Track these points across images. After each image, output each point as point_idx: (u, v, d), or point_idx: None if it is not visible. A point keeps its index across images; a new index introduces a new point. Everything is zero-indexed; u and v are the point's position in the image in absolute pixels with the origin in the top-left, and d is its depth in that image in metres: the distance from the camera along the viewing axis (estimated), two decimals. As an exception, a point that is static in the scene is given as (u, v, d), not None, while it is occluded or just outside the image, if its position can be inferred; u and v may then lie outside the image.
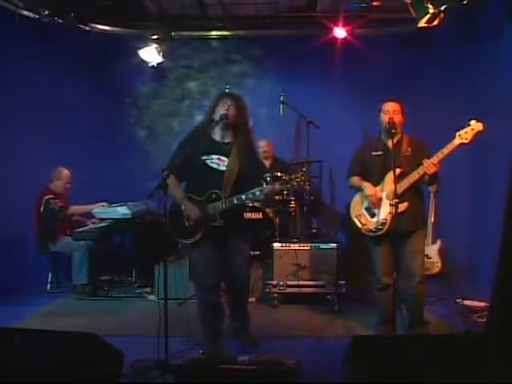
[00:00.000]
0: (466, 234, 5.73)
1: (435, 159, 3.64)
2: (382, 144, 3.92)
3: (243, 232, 3.84)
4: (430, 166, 3.63)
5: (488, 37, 5.33)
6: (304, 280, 4.88)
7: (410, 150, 3.85)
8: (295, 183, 3.47)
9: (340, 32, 5.76)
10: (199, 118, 5.46)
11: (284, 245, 4.97)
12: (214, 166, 3.61)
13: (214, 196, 3.56)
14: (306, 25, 6.03)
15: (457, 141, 3.63)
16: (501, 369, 2.38)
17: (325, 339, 4.04)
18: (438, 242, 5.33)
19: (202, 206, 3.57)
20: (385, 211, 3.83)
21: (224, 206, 3.52)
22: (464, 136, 3.61)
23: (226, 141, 3.69)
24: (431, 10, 4.47)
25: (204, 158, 3.62)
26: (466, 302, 4.70)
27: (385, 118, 3.83)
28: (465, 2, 4.48)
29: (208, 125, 3.68)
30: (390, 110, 3.82)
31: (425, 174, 3.72)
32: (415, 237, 3.87)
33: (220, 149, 3.64)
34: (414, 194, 3.85)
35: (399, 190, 3.66)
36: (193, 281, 3.78)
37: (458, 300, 4.77)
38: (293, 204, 5.58)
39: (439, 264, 5.28)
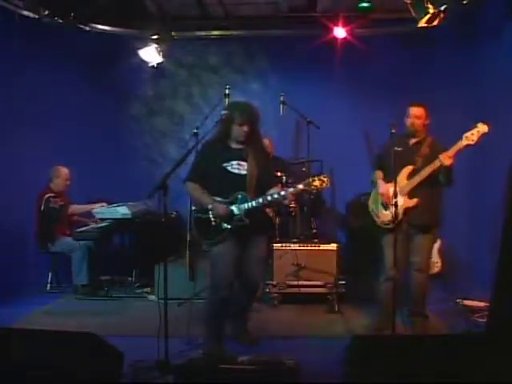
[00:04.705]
0: (466, 234, 5.72)
1: (451, 152, 3.74)
2: (403, 142, 4.06)
3: (264, 232, 3.97)
4: (445, 157, 3.73)
5: (488, 37, 5.32)
6: (304, 280, 4.88)
7: (428, 150, 3.96)
8: (318, 184, 3.53)
9: (340, 32, 5.75)
10: (199, 117, 5.45)
11: (284, 245, 4.97)
12: (235, 171, 3.72)
13: (239, 197, 3.66)
14: (306, 25, 6.02)
15: (464, 142, 3.71)
16: (501, 369, 2.38)
17: (325, 339, 4.04)
18: (438, 242, 5.33)
19: (229, 207, 3.67)
20: (398, 205, 3.89)
21: (251, 206, 3.62)
22: (470, 138, 3.69)
23: (243, 146, 3.78)
24: (431, 10, 4.47)
25: (224, 164, 3.71)
26: (466, 302, 4.70)
27: (408, 121, 4.02)
28: (465, 2, 4.48)
29: (224, 140, 3.76)
30: (412, 115, 3.99)
31: (435, 170, 3.80)
32: (426, 231, 3.99)
33: (238, 154, 3.75)
34: (429, 191, 3.93)
35: (410, 186, 3.86)
36: (210, 278, 3.76)
37: (458, 300, 4.77)
38: (293, 204, 5.56)
39: (439, 264, 5.28)
